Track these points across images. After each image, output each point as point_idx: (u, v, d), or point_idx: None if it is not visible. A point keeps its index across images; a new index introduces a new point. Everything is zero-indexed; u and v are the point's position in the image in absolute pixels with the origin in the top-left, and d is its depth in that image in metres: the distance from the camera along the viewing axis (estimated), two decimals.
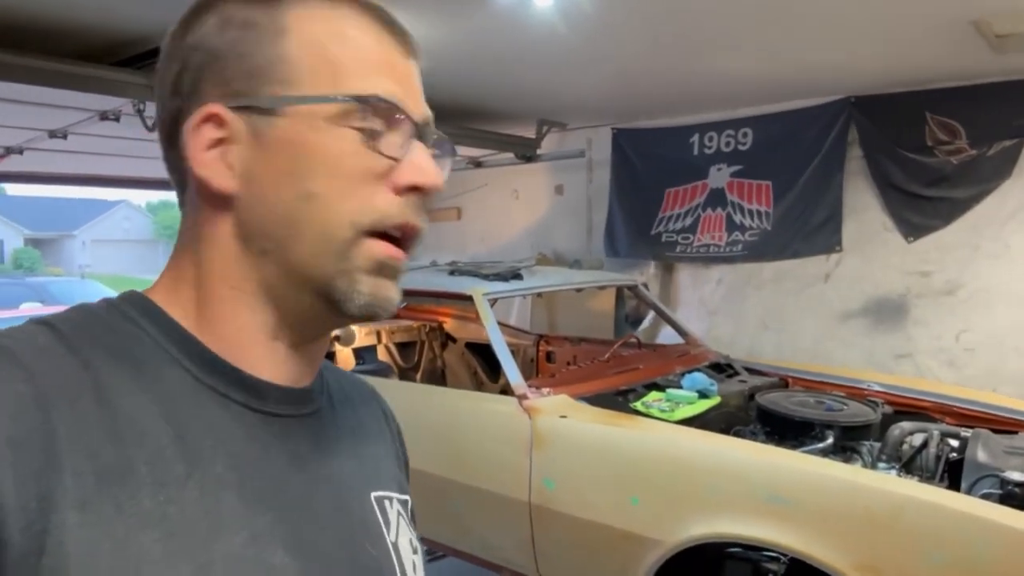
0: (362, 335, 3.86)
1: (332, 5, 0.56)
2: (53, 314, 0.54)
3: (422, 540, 0.75)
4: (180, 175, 0.59)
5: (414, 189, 0.57)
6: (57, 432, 0.46)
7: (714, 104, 4.38)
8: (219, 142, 0.56)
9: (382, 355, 4.03)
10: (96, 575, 0.45)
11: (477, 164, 5.22)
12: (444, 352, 4.28)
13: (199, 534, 0.49)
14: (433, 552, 2.88)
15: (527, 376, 3.86)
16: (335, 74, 0.55)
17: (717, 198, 4.60)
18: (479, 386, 4.03)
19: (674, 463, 2.16)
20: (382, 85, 0.56)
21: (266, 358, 0.59)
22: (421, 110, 0.59)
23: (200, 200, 0.58)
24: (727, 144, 4.56)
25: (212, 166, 0.56)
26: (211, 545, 0.50)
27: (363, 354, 3.99)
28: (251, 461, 0.55)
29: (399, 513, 0.68)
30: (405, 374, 4.07)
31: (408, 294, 3.64)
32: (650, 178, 4.85)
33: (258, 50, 0.55)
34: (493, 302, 4.11)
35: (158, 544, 0.47)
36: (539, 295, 4.26)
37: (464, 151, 4.85)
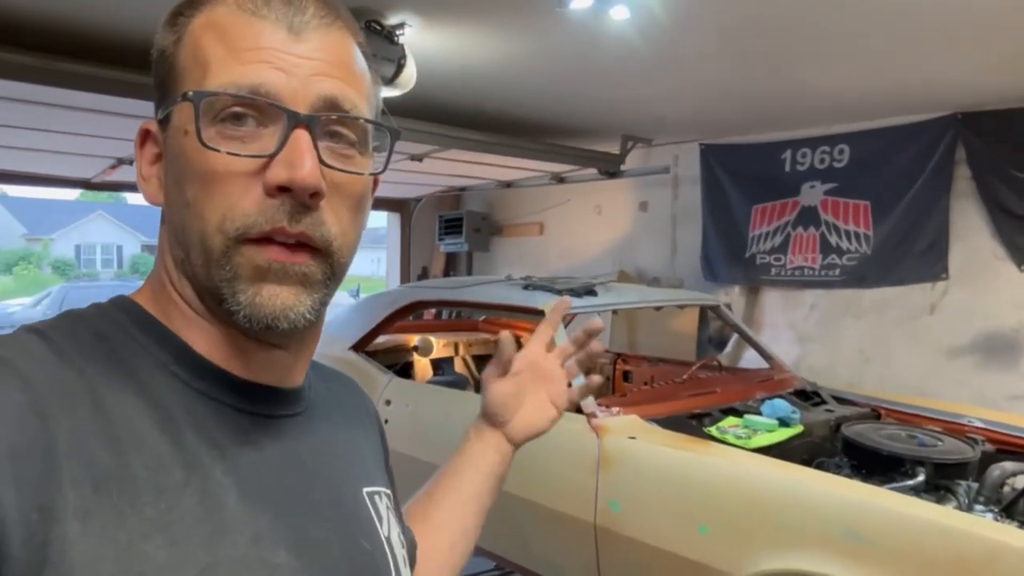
0: (439, 347, 3.90)
1: (227, 2, 0.55)
2: (43, 321, 0.54)
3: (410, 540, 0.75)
4: None
5: (285, 189, 0.52)
6: (56, 441, 0.46)
7: (808, 120, 4.21)
8: (157, 157, 0.57)
9: (459, 367, 4.06)
10: None
11: (560, 179, 5.20)
12: None
13: (201, 539, 0.49)
14: (501, 568, 2.85)
15: (602, 395, 3.81)
16: (203, 72, 0.53)
17: (809, 216, 4.41)
18: None
19: (747, 493, 2.06)
20: (246, 74, 0.52)
21: (242, 360, 0.58)
22: (312, 93, 0.53)
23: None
24: (821, 161, 4.37)
25: (149, 180, 0.58)
26: (214, 549, 0.50)
27: (441, 365, 4.03)
28: (248, 463, 0.55)
29: (388, 507, 0.69)
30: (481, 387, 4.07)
31: (481, 307, 3.67)
32: (739, 196, 4.71)
33: (164, 59, 0.56)
34: (569, 320, 4.09)
35: (161, 551, 0.47)
36: (614, 312, 4.18)
37: (547, 166, 4.84)
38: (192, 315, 0.57)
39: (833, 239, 4.31)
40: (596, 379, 1.02)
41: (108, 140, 3.77)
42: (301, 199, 0.52)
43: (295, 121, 0.52)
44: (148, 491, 0.48)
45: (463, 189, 6.17)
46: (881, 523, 1.81)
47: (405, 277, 6.46)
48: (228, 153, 0.51)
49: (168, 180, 0.56)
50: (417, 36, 2.67)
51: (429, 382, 3.76)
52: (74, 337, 0.53)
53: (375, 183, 0.62)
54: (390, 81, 2.61)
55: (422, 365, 3.89)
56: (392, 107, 3.22)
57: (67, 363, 0.50)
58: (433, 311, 5.43)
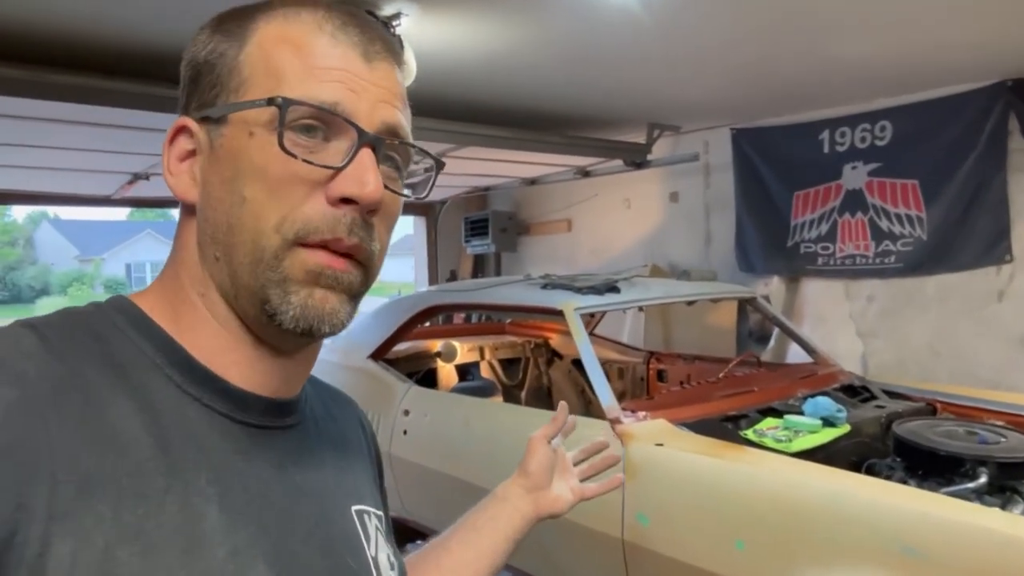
0: (464, 351, 3.77)
1: (294, 12, 0.57)
2: (38, 317, 0.54)
3: (399, 557, 0.74)
4: None
5: (349, 202, 0.55)
6: (42, 440, 0.46)
7: (845, 96, 3.96)
8: (190, 154, 0.58)
9: (485, 372, 3.92)
10: None
11: (585, 174, 5.02)
12: (550, 369, 4.11)
13: (178, 549, 0.49)
14: None
15: (637, 396, 3.63)
16: (277, 81, 0.55)
17: (855, 201, 4.14)
18: (587, 405, 3.83)
19: (788, 503, 1.87)
20: (325, 91, 0.54)
21: (243, 367, 0.58)
22: (378, 118, 0.56)
23: (180, 209, 0.60)
24: (862, 140, 4.11)
25: (180, 176, 0.59)
26: (190, 560, 0.49)
27: (468, 371, 3.91)
28: (234, 473, 0.55)
29: (376, 528, 0.68)
30: (509, 392, 3.94)
31: (498, 309, 3.54)
32: (777, 182, 4.46)
33: (222, 62, 0.57)
34: (599, 317, 3.92)
35: (135, 558, 0.47)
36: (640, 309, 3.99)
37: (571, 160, 4.67)
38: (208, 318, 0.58)
39: (884, 224, 4.04)
40: (591, 489, 1.03)
41: (121, 155, 3.73)
42: (363, 213, 0.55)
43: (364, 140, 0.55)
44: (129, 496, 0.48)
45: (487, 189, 6.04)
46: (940, 535, 1.61)
47: (433, 281, 6.36)
48: (304, 160, 0.54)
49: (211, 177, 0.57)
50: (415, 26, 2.54)
51: (455, 389, 3.63)
52: (69, 335, 0.53)
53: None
54: None
55: (447, 371, 3.76)
56: None
57: (60, 360, 0.50)
58: (463, 315, 5.31)
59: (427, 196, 0.62)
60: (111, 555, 0.46)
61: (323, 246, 0.55)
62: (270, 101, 0.54)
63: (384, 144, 0.57)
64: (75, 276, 27.95)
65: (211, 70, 0.58)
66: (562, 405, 1.02)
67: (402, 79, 0.62)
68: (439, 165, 0.65)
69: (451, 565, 0.87)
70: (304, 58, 0.55)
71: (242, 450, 0.56)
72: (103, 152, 3.67)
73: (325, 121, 0.55)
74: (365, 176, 0.54)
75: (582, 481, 1.01)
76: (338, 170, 0.54)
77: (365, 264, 0.58)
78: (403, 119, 0.59)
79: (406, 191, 0.62)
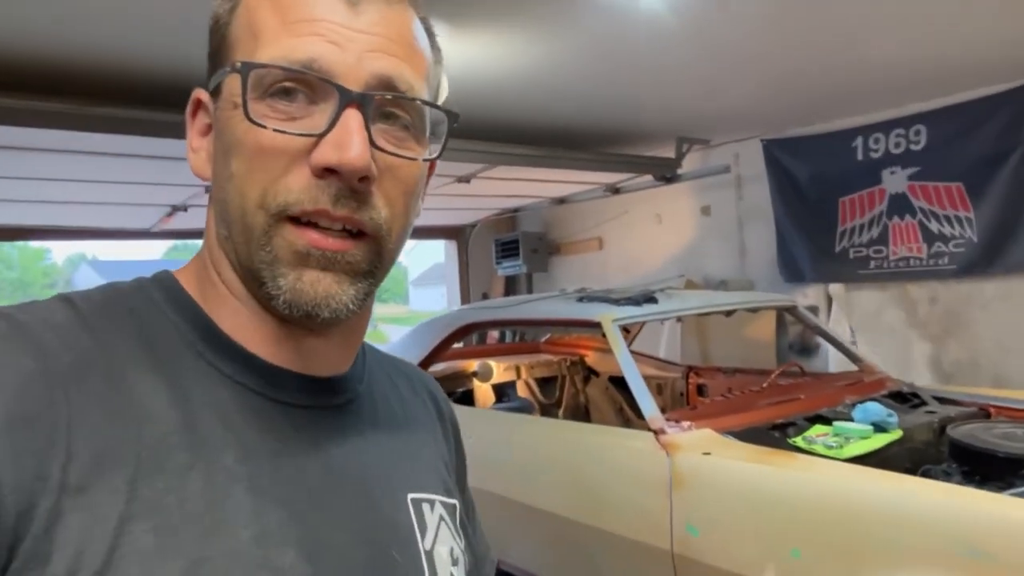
0: (500, 371, 3.74)
1: None
2: (79, 292, 0.53)
3: (469, 550, 0.68)
4: None
5: (333, 171, 0.49)
6: (60, 411, 0.45)
7: (877, 102, 3.92)
8: (208, 128, 0.55)
9: (522, 391, 3.89)
10: (80, 562, 0.42)
11: (615, 191, 5.01)
12: (587, 387, 4.07)
13: (198, 528, 0.46)
14: None
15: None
16: (255, 44, 0.51)
17: (901, 204, 4.08)
18: (625, 422, 3.78)
19: (845, 509, 1.81)
20: (299, 47, 0.49)
21: (271, 345, 0.55)
22: (366, 71, 0.50)
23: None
24: (896, 145, 4.06)
25: (198, 152, 0.56)
26: (210, 541, 0.46)
27: (505, 390, 3.88)
28: (265, 454, 0.52)
29: (442, 518, 0.63)
30: (547, 411, 3.90)
31: (535, 324, 3.53)
32: (816, 190, 4.40)
33: (218, 28, 0.54)
34: (635, 332, 3.88)
35: (148, 535, 0.44)
36: (678, 320, 3.94)
37: (600, 177, 4.67)
38: (228, 296, 0.55)
39: (934, 226, 3.97)
40: None
41: (159, 187, 3.81)
42: (349, 182, 0.49)
43: (347, 99, 0.49)
44: (147, 470, 0.46)
45: (517, 210, 6.06)
46: (1007, 536, 1.55)
47: (466, 304, 6.37)
48: (275, 130, 0.49)
49: (216, 153, 0.54)
50: (447, 45, 2.55)
51: (492, 409, 3.61)
52: (103, 309, 0.52)
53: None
54: None
55: (483, 391, 3.74)
56: None
57: (88, 333, 0.49)
58: (496, 334, 5.30)
59: (439, 156, 0.54)
60: (124, 529, 0.43)
61: (312, 223, 0.50)
62: (232, 67, 0.50)
63: (373, 101, 0.50)
64: None
65: (214, 37, 0.55)
66: None
67: (412, 21, 0.55)
68: (452, 118, 0.56)
69: None
70: (283, 12, 0.50)
71: (276, 430, 0.53)
72: (141, 184, 3.75)
73: (304, 82, 0.49)
74: (346, 140, 0.48)
75: None
76: (320, 136, 0.49)
77: (374, 235, 0.52)
78: (406, 69, 0.52)
79: (422, 153, 0.55)
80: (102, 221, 4.99)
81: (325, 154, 0.49)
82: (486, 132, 3.78)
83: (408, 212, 0.55)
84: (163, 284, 0.56)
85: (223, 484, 0.48)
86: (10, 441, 0.42)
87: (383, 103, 0.51)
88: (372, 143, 0.50)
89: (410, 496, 0.61)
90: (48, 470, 0.43)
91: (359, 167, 0.49)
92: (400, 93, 0.51)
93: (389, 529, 0.57)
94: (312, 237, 0.50)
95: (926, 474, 2.10)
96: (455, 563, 0.62)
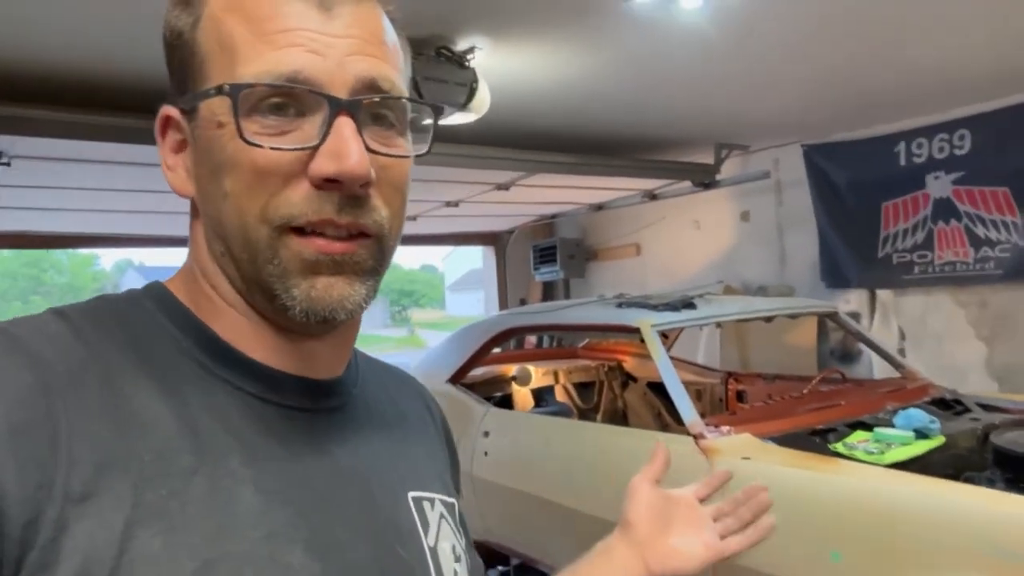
0: (539, 375, 3.79)
1: None
2: (71, 305, 0.53)
3: (471, 547, 0.70)
4: None
5: (333, 181, 0.49)
6: (60, 421, 0.45)
7: (919, 107, 3.87)
8: (182, 145, 0.55)
9: (560, 395, 3.93)
10: (87, 569, 0.42)
11: (652, 197, 5.02)
12: (625, 392, 4.09)
13: (206, 530, 0.46)
14: None
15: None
16: (231, 58, 0.50)
17: (947, 209, 4.03)
18: (663, 428, 3.79)
19: (886, 513, 1.82)
20: (281, 61, 0.48)
21: (269, 350, 0.55)
22: (350, 75, 0.50)
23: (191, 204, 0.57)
24: (940, 150, 4.01)
25: (175, 170, 0.55)
26: (220, 542, 0.46)
27: (543, 395, 3.93)
28: (269, 456, 0.52)
29: (442, 516, 0.63)
30: (585, 415, 3.93)
31: (574, 329, 3.56)
32: (858, 195, 4.37)
33: (181, 41, 0.53)
34: (673, 338, 3.89)
35: (157, 539, 0.44)
36: (718, 326, 3.93)
37: (638, 183, 4.69)
38: (225, 307, 0.55)
39: (980, 230, 3.92)
40: (735, 543, 0.84)
41: None
42: (350, 190, 0.50)
43: (337, 108, 0.49)
44: (152, 476, 0.46)
45: (554, 216, 6.11)
46: None
47: (504, 309, 6.43)
48: (272, 148, 0.49)
49: (200, 171, 0.53)
50: (488, 59, 2.63)
51: (532, 411, 3.66)
52: (96, 320, 0.52)
53: None
54: (463, 106, 2.58)
55: (522, 395, 3.79)
56: (471, 134, 3.19)
57: (82, 344, 0.49)
58: (534, 340, 5.35)
59: (427, 152, 0.55)
60: (131, 535, 0.44)
61: (317, 232, 0.51)
62: (218, 90, 0.49)
63: (362, 105, 0.50)
64: None
65: (176, 52, 0.53)
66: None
67: (380, 16, 0.54)
68: (437, 111, 0.57)
69: None
70: (255, 24, 0.49)
71: (277, 432, 0.53)
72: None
73: (291, 95, 0.49)
74: (343, 149, 0.49)
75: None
76: (315, 148, 0.49)
77: (377, 235, 0.53)
78: (386, 67, 0.52)
79: (409, 148, 0.55)
80: (148, 229, 5.17)
81: (324, 165, 0.49)
82: (526, 141, 3.84)
83: (403, 208, 0.56)
84: (155, 295, 0.56)
85: (229, 487, 0.48)
86: (12, 452, 0.42)
87: (371, 106, 0.51)
88: (366, 147, 0.50)
89: (411, 494, 0.61)
90: (51, 480, 0.43)
91: (360, 174, 0.49)
92: (385, 93, 0.52)
93: (393, 527, 0.58)
94: (319, 244, 0.51)
95: (968, 480, 2.08)
96: (457, 560, 0.62)
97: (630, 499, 0.81)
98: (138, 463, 0.46)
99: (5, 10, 2.10)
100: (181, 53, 0.53)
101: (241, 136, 0.49)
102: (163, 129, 0.55)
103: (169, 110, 0.54)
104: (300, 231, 0.50)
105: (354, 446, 0.59)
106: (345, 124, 0.49)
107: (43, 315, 0.52)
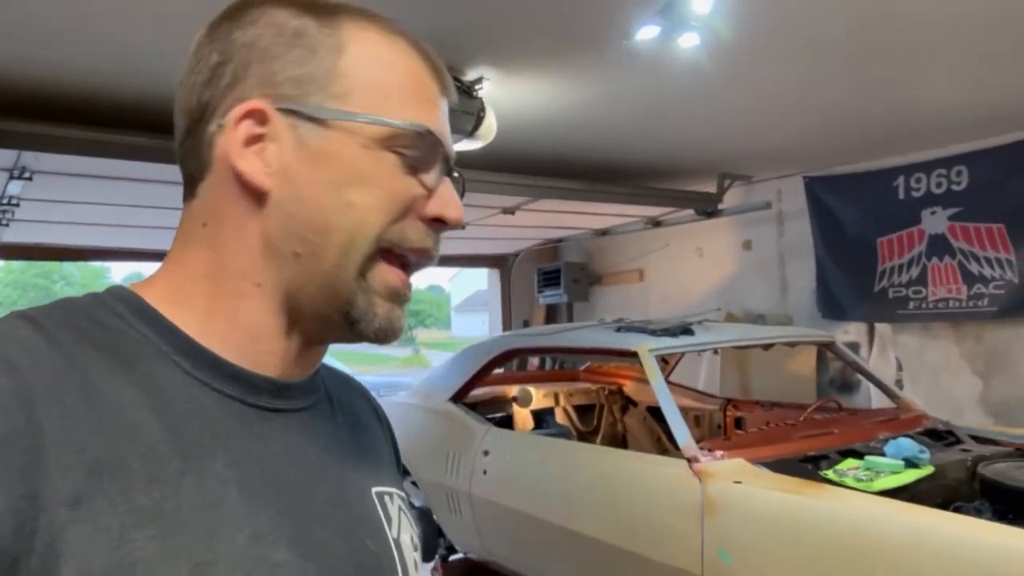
0: (539, 397, 3.84)
1: (387, 34, 0.59)
2: (34, 308, 0.53)
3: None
4: (197, 165, 0.58)
5: (438, 220, 0.59)
6: (43, 427, 0.44)
7: (919, 142, 3.96)
8: (258, 139, 0.56)
9: (560, 418, 3.98)
10: (90, 572, 0.43)
11: (656, 223, 5.10)
12: (625, 416, 4.14)
13: (198, 532, 0.48)
14: None
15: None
16: (384, 98, 0.57)
17: (941, 245, 4.09)
18: (662, 453, 3.82)
19: (874, 540, 1.86)
20: (425, 118, 0.58)
21: (274, 355, 0.58)
22: (452, 149, 0.61)
23: (230, 194, 0.56)
24: (938, 185, 4.08)
25: (252, 161, 0.55)
26: (211, 544, 0.48)
27: (544, 417, 3.97)
28: (251, 457, 0.54)
29: (400, 509, 0.67)
30: (584, 438, 3.97)
31: (574, 352, 3.62)
32: (856, 228, 4.44)
33: (314, 60, 0.56)
34: (673, 363, 3.94)
35: (153, 541, 0.45)
36: (716, 352, 3.99)
37: (642, 211, 4.77)
38: (247, 306, 0.57)
39: (974, 267, 3.98)
40: None
41: None
42: (444, 231, 0.60)
43: (449, 170, 0.61)
44: (142, 479, 0.46)
45: (559, 240, 6.19)
46: None
47: (507, 331, 6.48)
48: (420, 183, 0.58)
49: (303, 174, 0.55)
50: (496, 89, 2.73)
51: (530, 433, 3.70)
52: (68, 324, 0.51)
53: None
54: (471, 133, 2.66)
55: (522, 416, 3.84)
56: (478, 160, 3.28)
57: (57, 350, 0.49)
58: (536, 362, 5.40)
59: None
60: (127, 538, 0.44)
61: (403, 262, 0.59)
62: (415, 129, 0.57)
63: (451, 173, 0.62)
64: None
65: (293, 64, 0.56)
66: None
67: None
68: (463, 187, 0.66)
69: None
70: (414, 86, 0.59)
71: (257, 433, 0.55)
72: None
73: (425, 146, 0.58)
74: (454, 200, 0.60)
75: None
76: (431, 191, 0.59)
77: (416, 269, 0.62)
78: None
79: None
80: (157, 244, 5.26)
81: (440, 207, 0.59)
82: (532, 166, 3.92)
83: None
84: (123, 298, 0.56)
85: (216, 489, 0.50)
86: None
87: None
88: None
89: (374, 490, 0.65)
90: (38, 488, 0.43)
91: (461, 221, 0.61)
92: (460, 172, 0.64)
93: (362, 521, 0.61)
94: (404, 279, 0.60)
95: (957, 511, 2.12)
96: (416, 549, 0.68)
97: None
98: (128, 468, 0.46)
99: (34, 35, 2.21)
100: (310, 66, 0.56)
101: (413, 172, 0.57)
102: (241, 119, 0.55)
103: (262, 104, 0.55)
104: (387, 253, 0.57)
105: (323, 445, 0.61)
106: (449, 181, 0.61)
107: (7, 319, 0.51)
